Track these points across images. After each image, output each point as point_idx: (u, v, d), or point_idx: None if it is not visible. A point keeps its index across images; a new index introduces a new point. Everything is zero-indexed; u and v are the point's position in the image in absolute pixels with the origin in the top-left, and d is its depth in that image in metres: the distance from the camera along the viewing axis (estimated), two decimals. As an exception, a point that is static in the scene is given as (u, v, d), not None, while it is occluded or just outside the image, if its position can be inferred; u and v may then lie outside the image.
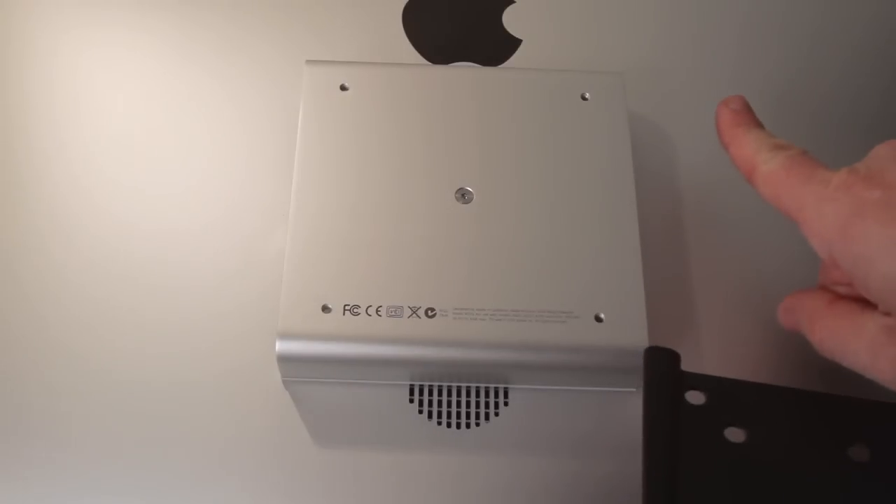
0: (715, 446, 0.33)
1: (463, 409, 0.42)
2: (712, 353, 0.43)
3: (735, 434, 0.34)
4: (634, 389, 0.42)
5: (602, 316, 0.40)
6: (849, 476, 0.33)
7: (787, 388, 0.35)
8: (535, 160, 0.44)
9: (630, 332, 0.40)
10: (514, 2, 0.52)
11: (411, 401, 0.42)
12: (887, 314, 0.30)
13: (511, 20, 0.52)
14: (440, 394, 0.42)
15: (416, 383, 0.42)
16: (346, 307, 0.40)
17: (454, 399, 0.42)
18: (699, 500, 0.33)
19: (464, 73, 0.48)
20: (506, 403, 0.42)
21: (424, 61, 0.51)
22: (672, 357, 0.35)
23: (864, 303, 0.32)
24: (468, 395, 0.42)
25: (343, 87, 0.45)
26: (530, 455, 0.41)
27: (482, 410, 0.42)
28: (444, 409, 0.42)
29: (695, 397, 0.35)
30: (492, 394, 0.42)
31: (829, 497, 0.33)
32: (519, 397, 0.42)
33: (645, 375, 0.35)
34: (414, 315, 0.40)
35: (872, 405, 0.34)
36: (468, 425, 0.42)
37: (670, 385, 0.34)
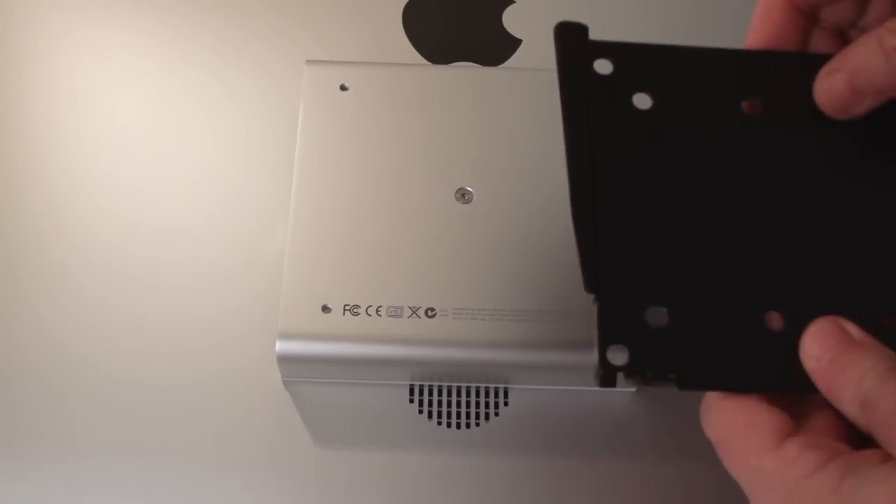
0: (625, 114, 0.33)
1: (463, 409, 0.42)
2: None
3: (642, 100, 0.33)
4: (634, 389, 0.42)
5: (602, 316, 0.40)
6: (748, 129, 0.33)
7: (691, 47, 0.34)
8: (535, 160, 0.44)
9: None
10: (514, 2, 0.52)
11: (411, 401, 0.42)
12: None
13: (511, 20, 0.52)
14: (440, 394, 0.42)
15: (416, 383, 0.42)
16: (346, 307, 0.40)
17: (454, 399, 0.42)
18: (616, 171, 0.32)
19: (464, 73, 0.48)
20: (506, 403, 0.42)
21: (424, 61, 0.51)
22: (580, 30, 0.33)
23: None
24: (468, 395, 0.42)
25: (343, 87, 0.45)
26: (530, 455, 0.41)
27: (482, 410, 0.42)
28: (444, 409, 0.42)
29: (603, 66, 0.33)
30: (492, 394, 0.42)
31: (731, 152, 0.32)
32: (519, 397, 0.42)
33: (556, 54, 0.33)
34: (414, 315, 0.40)
35: (773, 56, 0.34)
36: (468, 425, 0.42)
37: (581, 58, 0.33)
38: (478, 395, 0.42)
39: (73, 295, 0.44)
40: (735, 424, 0.29)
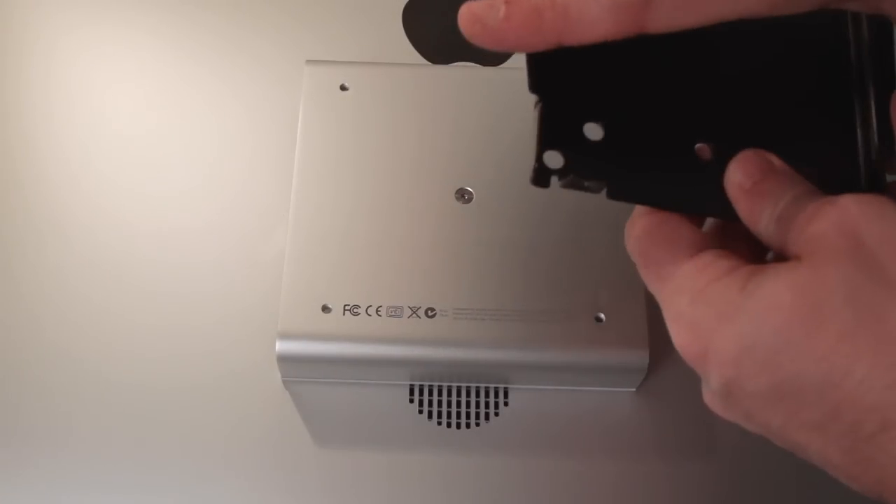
0: None
1: (463, 409, 0.42)
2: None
3: None
4: (634, 389, 0.42)
5: (602, 316, 0.40)
6: None
7: None
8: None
9: (630, 332, 0.40)
10: (514, 2, 0.52)
11: (411, 401, 0.42)
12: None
13: (511, 20, 0.52)
14: (440, 394, 0.42)
15: (416, 383, 0.42)
16: (346, 307, 0.40)
17: (454, 399, 0.42)
18: None
19: (464, 73, 0.48)
20: (506, 403, 0.42)
21: (424, 61, 0.51)
22: None
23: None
24: (468, 395, 0.42)
25: (343, 87, 0.45)
26: (530, 455, 0.41)
27: (482, 410, 0.42)
28: (444, 409, 0.42)
29: None
30: (492, 394, 0.43)
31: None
32: (519, 397, 0.42)
33: None
34: (414, 315, 0.40)
35: None
36: (468, 425, 0.42)
37: None
38: (478, 395, 0.42)
39: (72, 296, 0.44)
40: (655, 237, 0.30)
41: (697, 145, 0.32)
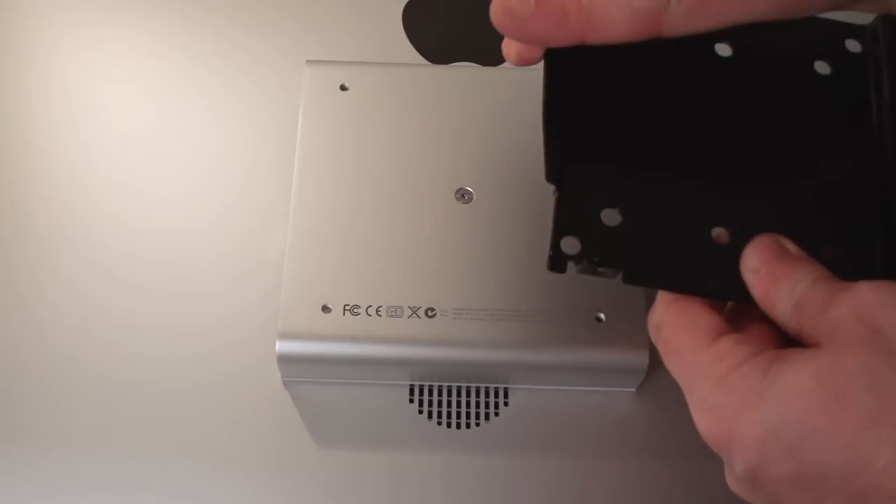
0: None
1: (463, 409, 0.42)
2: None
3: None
4: (634, 389, 0.42)
5: (602, 316, 0.40)
6: (716, 65, 0.34)
7: None
8: (535, 160, 0.44)
9: (630, 332, 0.40)
10: (514, 2, 0.52)
11: (411, 401, 0.42)
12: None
13: (511, 20, 0.52)
14: (440, 394, 0.42)
15: (416, 383, 0.42)
16: (346, 307, 0.40)
17: (454, 399, 0.42)
18: (586, 82, 0.34)
19: (464, 73, 0.48)
20: (506, 403, 0.42)
21: (424, 61, 0.51)
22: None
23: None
24: (468, 395, 0.42)
25: (343, 87, 0.45)
26: (530, 455, 0.41)
27: (482, 410, 0.42)
28: (444, 409, 0.42)
29: None
30: (492, 394, 0.43)
31: (693, 83, 0.34)
32: (519, 397, 0.42)
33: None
34: (414, 315, 0.40)
35: None
36: (468, 425, 0.42)
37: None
38: (478, 395, 0.42)
39: (72, 296, 0.44)
40: (677, 324, 0.31)
41: (715, 230, 0.32)
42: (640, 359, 0.40)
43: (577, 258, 0.32)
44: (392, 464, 0.41)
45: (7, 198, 0.46)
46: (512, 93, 0.46)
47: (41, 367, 0.42)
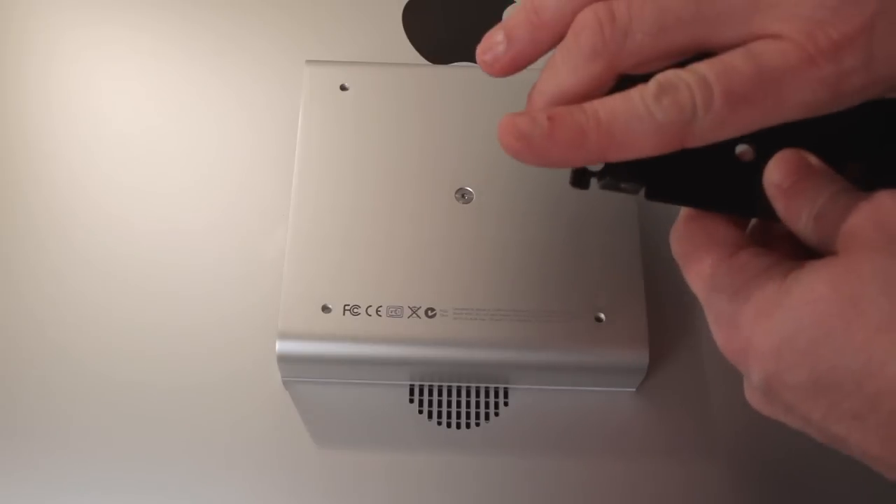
0: None
1: (463, 409, 0.42)
2: (713, 353, 0.43)
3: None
4: (634, 389, 0.42)
5: (602, 316, 0.40)
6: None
7: None
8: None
9: (630, 332, 0.40)
10: (514, 2, 0.52)
11: (411, 401, 0.42)
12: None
13: (511, 20, 0.52)
14: (440, 394, 0.42)
15: (416, 383, 0.42)
16: (346, 307, 0.40)
17: (454, 399, 0.42)
18: None
19: (464, 73, 0.48)
20: (506, 403, 0.42)
21: (424, 61, 0.51)
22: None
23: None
24: (468, 395, 0.42)
25: (343, 87, 0.45)
26: (530, 455, 0.41)
27: (482, 410, 0.42)
28: (444, 409, 0.42)
29: None
30: (492, 394, 0.43)
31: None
32: (519, 397, 0.42)
33: None
34: (414, 315, 0.40)
35: None
36: (468, 425, 0.42)
37: None
38: (478, 395, 0.42)
39: (72, 296, 0.44)
40: (695, 238, 0.30)
41: (739, 147, 0.32)
42: (640, 359, 0.40)
43: (600, 174, 0.31)
44: (392, 464, 0.41)
45: (7, 198, 0.46)
46: (512, 93, 0.45)
47: (41, 367, 0.42)
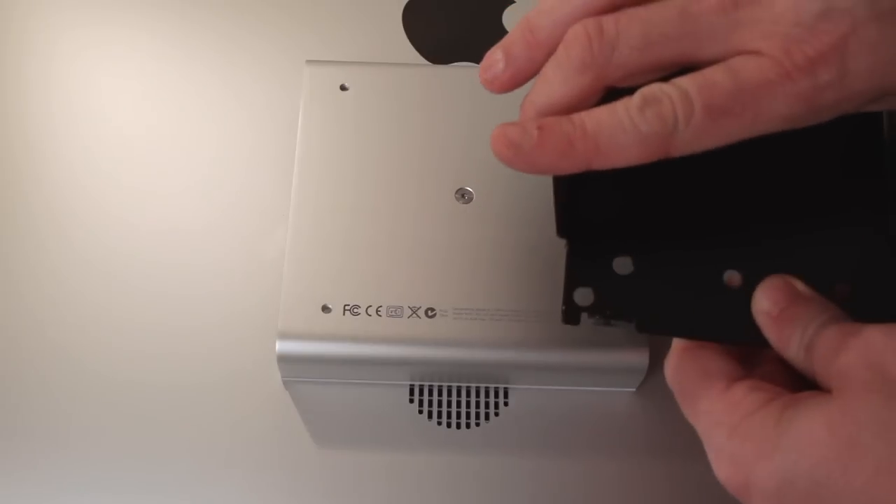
0: None
1: (463, 409, 0.42)
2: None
3: None
4: (634, 389, 0.42)
5: (602, 316, 0.40)
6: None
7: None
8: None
9: (630, 331, 0.40)
10: (514, 2, 0.52)
11: (411, 401, 0.42)
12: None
13: (511, 20, 0.52)
14: (440, 394, 0.42)
15: (416, 383, 0.42)
16: (346, 307, 0.40)
17: (454, 399, 0.42)
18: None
19: (464, 73, 0.48)
20: (506, 403, 0.42)
21: (424, 61, 0.51)
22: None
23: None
24: (468, 395, 0.42)
25: (343, 87, 0.45)
26: (530, 455, 0.41)
27: (482, 410, 0.42)
28: (444, 409, 0.42)
29: None
30: (492, 394, 0.42)
31: None
32: (519, 397, 0.42)
33: None
34: (414, 315, 0.40)
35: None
36: (468, 425, 0.42)
37: None
38: (478, 395, 0.42)
39: (72, 296, 0.44)
40: (689, 371, 0.31)
41: (727, 273, 0.33)
42: (640, 359, 0.40)
43: (590, 310, 0.33)
44: (392, 464, 0.41)
45: (7, 198, 0.46)
46: (512, 94, 0.45)
47: (41, 367, 0.42)
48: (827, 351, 0.29)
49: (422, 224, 0.42)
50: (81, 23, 0.52)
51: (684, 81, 0.29)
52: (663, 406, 0.43)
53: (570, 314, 0.33)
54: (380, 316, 0.40)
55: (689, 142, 0.29)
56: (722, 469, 0.29)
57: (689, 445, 0.41)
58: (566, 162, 0.30)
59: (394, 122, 0.45)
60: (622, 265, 0.33)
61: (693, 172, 0.32)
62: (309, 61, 0.46)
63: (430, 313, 0.40)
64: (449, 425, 0.42)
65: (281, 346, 0.40)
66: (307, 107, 0.45)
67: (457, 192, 0.43)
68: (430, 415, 0.42)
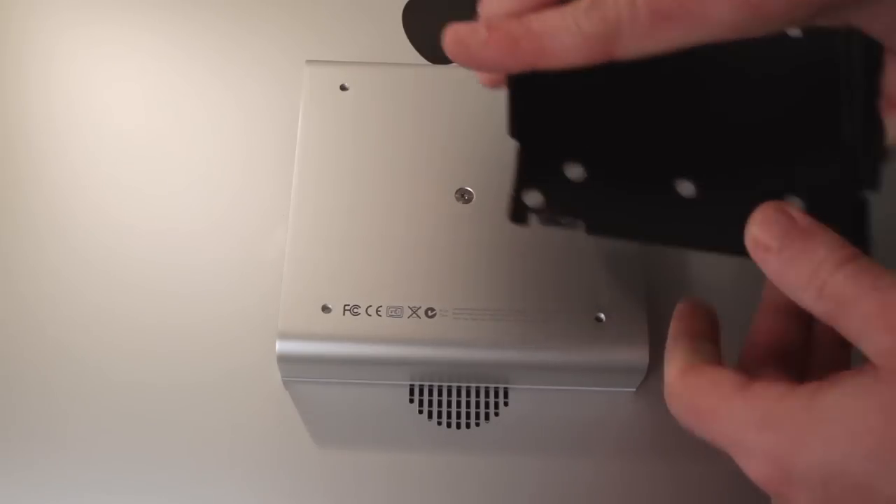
0: None
1: (463, 409, 0.42)
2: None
3: None
4: (634, 389, 0.42)
5: (602, 316, 0.40)
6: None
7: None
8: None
9: (630, 332, 0.40)
10: (514, 2, 0.52)
11: (411, 401, 0.42)
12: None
13: (511, 20, 0.52)
14: (440, 394, 0.42)
15: (416, 383, 0.42)
16: (346, 307, 0.40)
17: (454, 399, 0.42)
18: None
19: (464, 73, 0.47)
20: (506, 403, 0.42)
21: (424, 61, 0.51)
22: None
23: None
24: (468, 395, 0.42)
25: (343, 87, 0.45)
26: (530, 455, 0.41)
27: (482, 410, 0.42)
28: (444, 409, 0.42)
29: None
30: (492, 394, 0.43)
31: None
32: (519, 397, 0.42)
33: None
34: (414, 315, 0.40)
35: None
36: (468, 425, 0.42)
37: None
38: (478, 395, 0.42)
39: (72, 296, 0.44)
40: (701, 386, 0.30)
41: (679, 182, 0.33)
42: (640, 359, 0.40)
43: (539, 210, 0.32)
44: (392, 464, 0.41)
45: (7, 198, 0.46)
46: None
47: (41, 367, 0.42)
48: (849, 301, 0.27)
49: (422, 224, 0.42)
50: (81, 23, 0.52)
51: None
52: (663, 406, 0.42)
53: (517, 213, 0.33)
54: (380, 316, 0.40)
55: (633, 45, 0.29)
56: (758, 469, 0.28)
57: (689, 445, 0.42)
58: (511, 59, 0.30)
59: (394, 122, 0.45)
60: (573, 171, 0.33)
61: (650, 83, 0.32)
62: (309, 61, 0.46)
63: (430, 313, 0.40)
64: (449, 425, 0.42)
65: (281, 346, 0.40)
66: (307, 107, 0.45)
67: (457, 192, 0.43)
68: (430, 415, 0.42)
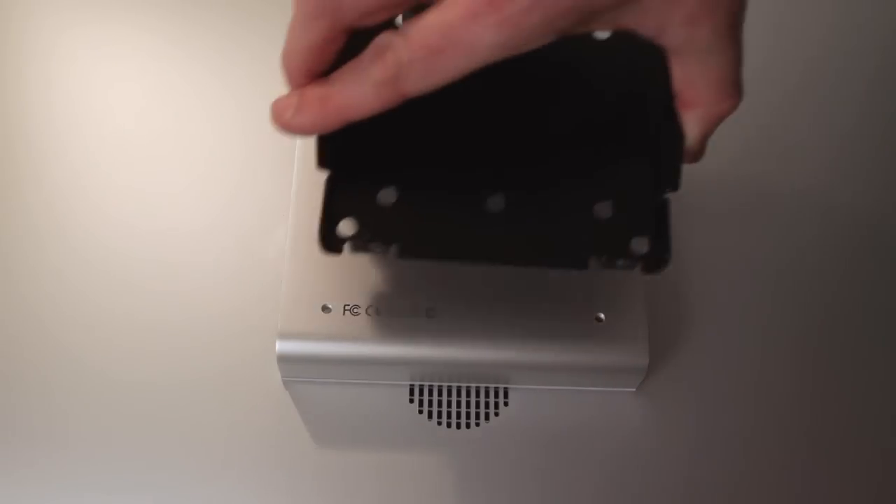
0: None
1: (463, 409, 0.42)
2: (713, 353, 0.43)
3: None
4: (634, 389, 0.42)
5: (602, 316, 0.40)
6: None
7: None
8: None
9: (630, 332, 0.40)
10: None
11: (411, 401, 0.42)
12: None
13: (511, 20, 0.52)
14: (440, 394, 0.42)
15: (416, 383, 0.42)
16: (346, 307, 0.40)
17: (454, 399, 0.42)
18: None
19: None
20: (506, 403, 0.42)
21: (424, 61, 0.51)
22: None
23: None
24: (468, 395, 0.42)
25: (343, 87, 0.45)
26: (530, 455, 0.41)
27: (482, 410, 0.42)
28: (444, 409, 0.42)
29: None
30: (492, 394, 0.43)
31: None
32: (519, 397, 0.42)
33: None
34: (414, 315, 0.40)
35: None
36: (468, 425, 0.42)
37: None
38: (478, 395, 0.42)
39: (72, 296, 0.44)
40: None
41: (489, 198, 0.34)
42: (640, 359, 0.40)
43: (353, 239, 0.33)
44: (392, 464, 0.41)
45: (7, 198, 0.46)
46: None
47: (41, 367, 0.42)
48: None
49: (422, 224, 0.42)
50: (81, 22, 0.52)
51: (408, 26, 0.30)
52: (663, 406, 0.43)
53: (329, 243, 0.34)
54: (380, 316, 0.40)
55: (420, 81, 0.30)
56: None
57: (689, 445, 0.42)
58: (323, 121, 0.32)
59: (394, 121, 0.45)
60: (386, 196, 0.34)
61: (456, 103, 0.33)
62: (309, 61, 0.46)
63: (430, 313, 0.40)
64: (449, 425, 0.42)
65: (281, 346, 0.40)
66: (307, 107, 0.45)
67: (457, 192, 0.43)
68: (430, 415, 0.42)
